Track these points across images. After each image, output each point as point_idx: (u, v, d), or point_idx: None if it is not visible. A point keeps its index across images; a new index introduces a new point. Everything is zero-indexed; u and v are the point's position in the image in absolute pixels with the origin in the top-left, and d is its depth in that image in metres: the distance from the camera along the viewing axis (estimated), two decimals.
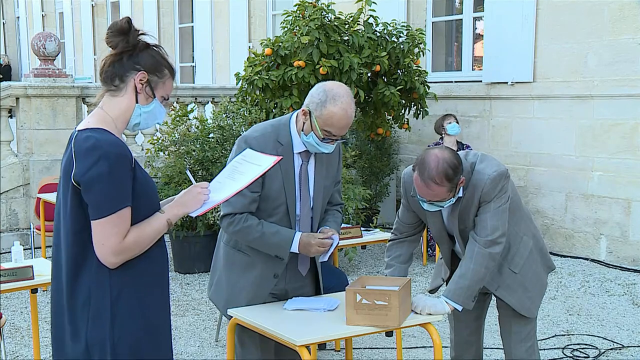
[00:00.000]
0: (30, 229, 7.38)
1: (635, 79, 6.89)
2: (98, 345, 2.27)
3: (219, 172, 2.73)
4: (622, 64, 6.97)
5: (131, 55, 2.34)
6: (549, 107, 7.63)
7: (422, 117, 7.72)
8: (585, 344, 5.00)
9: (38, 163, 7.92)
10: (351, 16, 7.19)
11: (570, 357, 4.79)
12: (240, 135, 3.13)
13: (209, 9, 12.46)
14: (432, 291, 3.57)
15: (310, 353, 2.84)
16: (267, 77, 6.89)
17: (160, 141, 7.06)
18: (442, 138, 7.19)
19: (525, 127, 7.87)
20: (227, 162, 3.02)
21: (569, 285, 6.51)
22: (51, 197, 6.34)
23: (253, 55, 7.30)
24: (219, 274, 3.24)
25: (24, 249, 5.04)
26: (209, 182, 2.54)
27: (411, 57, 7.32)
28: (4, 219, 7.87)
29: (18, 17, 21.70)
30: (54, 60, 8.16)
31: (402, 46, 7.26)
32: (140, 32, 2.36)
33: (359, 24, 7.22)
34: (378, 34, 7.28)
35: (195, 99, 9.00)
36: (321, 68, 6.74)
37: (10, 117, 8.17)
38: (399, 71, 7.39)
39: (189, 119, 7.22)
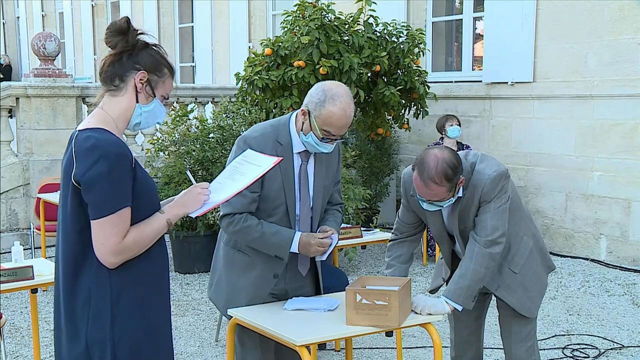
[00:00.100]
0: (30, 229, 7.37)
1: (635, 79, 6.89)
2: (98, 345, 2.27)
3: (219, 172, 2.73)
4: (622, 64, 6.97)
5: (131, 54, 2.34)
6: (549, 107, 7.63)
7: (422, 117, 7.72)
8: (585, 344, 5.00)
9: (38, 163, 7.93)
10: (351, 16, 7.19)
11: (570, 357, 4.79)
12: (240, 135, 3.13)
13: (209, 9, 12.47)
14: (432, 291, 3.57)
15: (310, 353, 2.84)
16: (267, 77, 6.89)
17: (160, 141, 7.06)
18: (442, 138, 7.20)
19: (525, 127, 7.87)
20: (227, 162, 3.02)
21: (569, 285, 6.51)
22: (51, 197, 6.34)
23: (253, 55, 7.30)
24: (218, 274, 3.24)
25: (24, 249, 5.05)
26: (209, 182, 2.54)
27: (411, 57, 7.32)
28: (4, 219, 7.87)
29: (18, 17, 21.70)
30: (54, 60, 8.16)
31: (402, 46, 7.26)
32: (139, 31, 2.36)
33: (359, 24, 7.21)
34: (378, 34, 7.28)
35: (195, 99, 9.00)
36: (321, 68, 6.73)
37: (10, 117, 8.18)
38: (399, 71, 7.39)
39: (189, 119, 7.22)
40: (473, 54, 8.72)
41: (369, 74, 7.09)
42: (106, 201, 2.21)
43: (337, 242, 3.17)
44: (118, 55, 2.34)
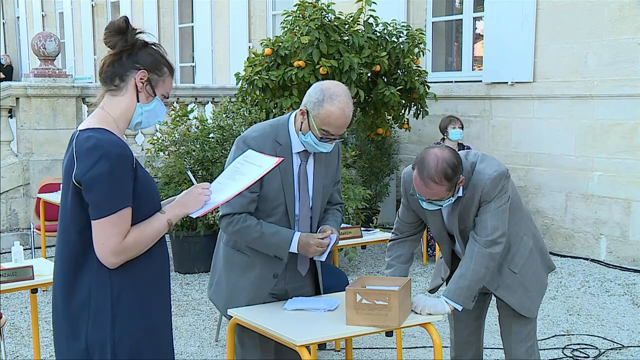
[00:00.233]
0: (30, 229, 7.37)
1: (635, 79, 6.89)
2: (98, 346, 2.27)
3: (219, 172, 2.74)
4: (622, 64, 6.97)
5: (130, 54, 2.34)
6: (549, 107, 7.63)
7: (422, 117, 7.72)
8: (585, 344, 5.00)
9: (38, 163, 7.93)
10: (351, 16, 7.19)
11: (570, 357, 4.79)
12: (240, 135, 3.13)
13: (209, 9, 12.47)
14: (432, 291, 3.57)
15: (310, 353, 2.84)
16: (267, 77, 6.89)
17: (160, 141, 7.06)
18: (443, 139, 7.20)
19: (525, 127, 7.87)
20: (226, 162, 3.02)
21: (569, 285, 6.51)
22: (51, 197, 6.34)
23: (253, 55, 7.30)
24: (218, 274, 3.24)
25: (24, 249, 5.04)
26: (210, 182, 2.54)
27: (411, 57, 7.32)
28: (4, 219, 7.87)
29: (18, 17, 21.70)
30: (54, 60, 8.16)
31: (402, 46, 7.26)
32: (138, 30, 2.36)
33: (359, 24, 7.21)
34: (378, 34, 7.28)
35: (195, 99, 9.00)
36: (321, 68, 6.73)
37: (10, 117, 8.18)
38: (399, 71, 7.39)
39: (189, 119, 7.22)
40: (473, 54, 8.72)
41: (369, 74, 7.09)
42: (107, 201, 2.21)
43: (337, 242, 3.16)
44: (118, 55, 2.34)
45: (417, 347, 4.96)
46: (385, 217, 8.55)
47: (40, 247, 6.69)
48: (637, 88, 6.87)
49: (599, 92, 7.16)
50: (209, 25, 12.55)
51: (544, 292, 3.42)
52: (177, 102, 8.57)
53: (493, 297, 3.46)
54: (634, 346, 4.99)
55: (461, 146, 7.22)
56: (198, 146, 6.88)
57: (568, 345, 4.99)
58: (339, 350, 4.90)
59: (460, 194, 3.10)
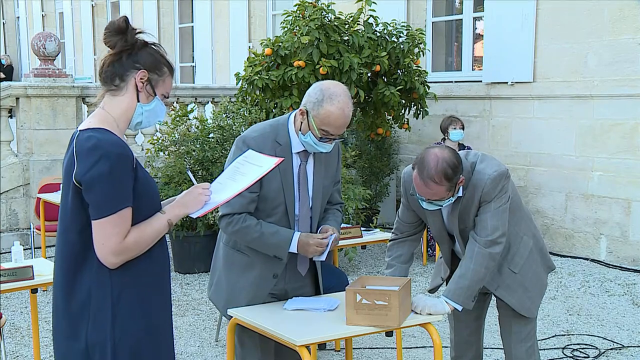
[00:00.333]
0: (30, 229, 7.37)
1: (635, 79, 6.89)
2: (99, 346, 2.27)
3: (219, 172, 2.74)
4: (622, 64, 6.97)
5: (130, 54, 2.34)
6: (549, 107, 7.64)
7: (422, 117, 7.72)
8: (585, 344, 5.00)
9: (38, 163, 7.93)
10: (351, 16, 7.19)
11: (570, 357, 4.79)
12: (240, 135, 3.13)
13: (209, 9, 12.47)
14: (431, 290, 3.57)
15: (310, 353, 2.84)
16: (267, 77, 6.89)
17: (160, 141, 7.06)
18: (444, 139, 7.20)
19: (525, 127, 7.87)
20: (226, 162, 3.02)
21: (569, 285, 6.51)
22: (51, 197, 6.34)
23: (253, 55, 7.30)
24: (218, 274, 3.23)
25: (24, 249, 5.04)
26: (209, 182, 2.54)
27: (411, 57, 7.32)
28: (4, 219, 7.87)
29: (18, 17, 21.70)
30: (54, 60, 8.16)
31: (402, 46, 7.26)
32: (137, 30, 2.36)
33: (359, 24, 7.21)
34: (378, 34, 7.28)
35: (195, 99, 9.00)
36: (321, 68, 6.74)
37: (10, 117, 8.18)
38: (399, 71, 7.39)
39: (189, 119, 7.22)
40: (473, 54, 8.72)
41: (369, 74, 7.09)
42: (107, 201, 2.21)
43: (338, 242, 3.16)
44: (118, 55, 2.34)
45: (417, 347, 4.95)
46: (385, 217, 8.55)
47: (40, 247, 6.69)
48: (637, 88, 6.87)
49: (599, 92, 7.16)
50: (209, 25, 12.55)
51: (544, 292, 3.42)
52: (177, 102, 8.57)
53: (493, 297, 3.46)
54: (634, 346, 4.99)
55: (462, 146, 7.22)
56: (198, 146, 6.88)
57: (568, 345, 4.99)
58: (339, 350, 4.90)
59: (460, 194, 3.10)
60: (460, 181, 3.02)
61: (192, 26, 13.32)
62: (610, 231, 7.21)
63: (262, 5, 11.59)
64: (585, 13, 7.22)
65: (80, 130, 2.30)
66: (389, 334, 3.01)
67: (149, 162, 7.11)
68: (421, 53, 7.47)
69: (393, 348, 4.85)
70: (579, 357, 4.79)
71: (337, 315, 3.01)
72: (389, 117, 7.86)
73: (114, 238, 2.22)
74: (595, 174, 7.29)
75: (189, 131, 7.01)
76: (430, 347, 4.83)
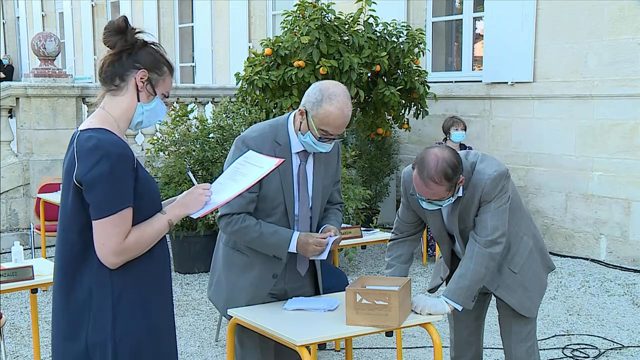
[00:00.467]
0: (30, 229, 7.37)
1: (635, 79, 6.89)
2: (99, 347, 2.26)
3: (219, 172, 2.74)
4: (622, 64, 6.97)
5: (130, 53, 2.34)
6: (549, 107, 7.64)
7: (422, 117, 7.72)
8: (585, 344, 5.00)
9: (38, 163, 7.93)
10: (351, 16, 7.19)
11: (570, 357, 4.79)
12: (240, 135, 3.13)
13: (209, 9, 12.47)
14: (431, 290, 3.57)
15: (310, 353, 2.84)
16: (267, 77, 6.89)
17: (160, 141, 7.06)
18: (445, 139, 7.20)
19: (525, 127, 7.87)
20: (225, 162, 3.02)
21: (569, 285, 6.51)
22: (51, 197, 6.34)
23: (253, 55, 7.30)
24: (218, 274, 3.23)
25: (24, 249, 5.04)
26: (210, 182, 2.54)
27: (411, 57, 7.32)
28: (4, 219, 7.87)
29: (18, 17, 21.71)
30: (54, 60, 8.16)
31: (402, 46, 7.26)
32: (137, 30, 2.36)
33: (359, 24, 7.21)
34: (378, 34, 7.28)
35: (195, 99, 9.00)
36: (321, 68, 6.74)
37: (10, 117, 8.18)
38: (399, 71, 7.39)
39: (189, 119, 7.22)
40: (473, 54, 8.72)
41: (369, 74, 7.09)
42: (107, 201, 2.21)
43: (339, 242, 3.16)
44: (117, 55, 2.34)
45: (417, 347, 4.96)
46: (385, 217, 8.55)
47: (40, 247, 6.69)
48: (637, 88, 6.87)
49: (599, 92, 7.16)
50: (209, 25, 12.55)
51: (544, 292, 3.42)
52: (177, 102, 8.57)
53: (493, 297, 3.46)
54: (634, 346, 4.99)
55: (463, 147, 7.22)
56: (198, 146, 6.88)
57: (568, 345, 4.99)
58: (339, 350, 4.90)
59: (460, 194, 3.10)
60: (460, 181, 3.02)
61: (192, 26, 13.32)
62: (610, 231, 7.21)
63: (262, 5, 11.59)
64: (585, 13, 7.22)
65: (80, 131, 2.30)
66: (389, 334, 3.01)
67: (149, 162, 7.11)
68: (421, 53, 7.47)
69: (393, 348, 4.85)
70: (579, 357, 4.79)
71: (337, 315, 3.01)
72: (389, 117, 7.86)
73: (114, 238, 2.22)
74: (595, 174, 7.29)
75: (189, 131, 7.01)
76: (430, 347, 4.83)
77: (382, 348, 4.94)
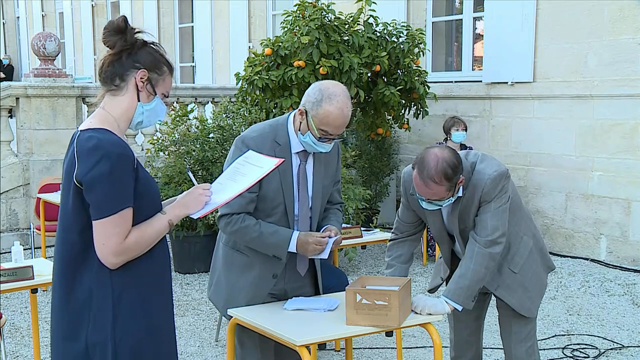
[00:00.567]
0: (30, 229, 7.37)
1: (635, 79, 6.89)
2: (99, 347, 2.26)
3: (219, 172, 2.74)
4: (622, 64, 6.97)
5: (130, 53, 2.34)
6: (549, 107, 7.64)
7: (422, 117, 7.72)
8: (585, 344, 5.00)
9: (38, 163, 7.93)
10: (351, 16, 7.19)
11: (570, 357, 4.79)
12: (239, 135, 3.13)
13: (209, 9, 12.47)
14: (431, 290, 3.57)
15: (310, 353, 2.84)
16: (267, 77, 6.89)
17: (160, 141, 7.06)
18: (446, 139, 7.20)
19: (525, 127, 7.87)
20: (225, 162, 3.02)
21: (569, 285, 6.51)
22: (51, 197, 6.34)
23: (253, 55, 7.30)
24: (218, 274, 3.24)
25: (24, 249, 5.04)
26: (210, 182, 2.54)
27: (411, 57, 7.32)
28: (4, 219, 7.87)
29: (18, 17, 21.71)
30: (54, 60, 8.16)
31: (402, 46, 7.26)
32: (136, 30, 2.36)
33: (359, 24, 7.21)
34: (378, 34, 7.28)
35: (195, 99, 9.00)
36: (321, 68, 6.74)
37: (10, 117, 8.18)
38: (399, 71, 7.39)
39: (189, 119, 7.22)
40: (473, 54, 8.72)
41: (369, 74, 7.09)
42: (108, 201, 2.21)
43: (340, 242, 3.16)
44: (117, 55, 2.34)
45: (417, 347, 4.96)
46: (385, 217, 8.55)
47: (40, 247, 6.69)
48: (637, 88, 6.87)
49: (599, 92, 7.16)
50: (209, 25, 12.55)
51: (544, 292, 3.42)
52: (177, 102, 8.57)
53: (493, 297, 3.46)
54: (634, 346, 4.99)
55: (463, 147, 7.22)
56: (198, 146, 6.88)
57: (568, 345, 4.99)
58: (339, 350, 4.90)
59: (460, 194, 3.10)
60: (460, 181, 3.02)
61: (192, 26, 13.32)
62: (610, 231, 7.21)
63: (262, 5, 11.59)
64: (585, 13, 7.22)
65: (81, 131, 2.30)
66: (389, 334, 3.01)
67: (149, 162, 7.11)
68: (421, 53, 7.47)
69: (393, 348, 4.85)
70: (579, 357, 4.79)
71: (337, 315, 3.01)
72: (389, 117, 7.86)
73: (114, 238, 2.22)
74: (595, 174, 7.29)
75: (189, 131, 7.01)
76: (430, 347, 4.83)
77: (382, 348, 4.94)
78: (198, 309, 5.82)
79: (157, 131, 8.09)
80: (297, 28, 6.99)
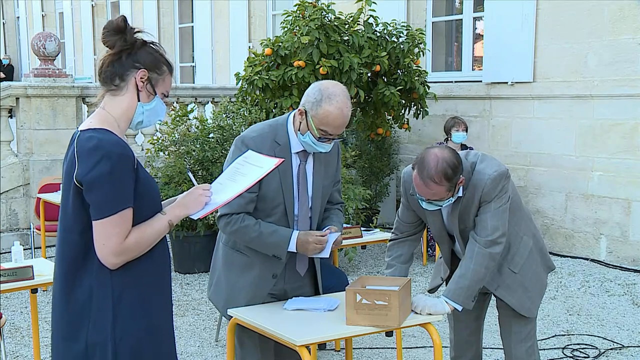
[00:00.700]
0: (30, 229, 7.37)
1: (635, 79, 6.89)
2: (99, 347, 2.26)
3: (219, 172, 2.74)
4: (622, 64, 6.97)
5: (130, 53, 2.34)
6: (549, 107, 7.63)
7: (422, 117, 7.72)
8: (585, 344, 5.00)
9: (38, 163, 7.93)
10: (351, 16, 7.19)
11: (570, 357, 4.79)
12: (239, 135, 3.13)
13: (209, 9, 12.47)
14: (431, 290, 3.57)
15: (310, 353, 2.84)
16: (267, 77, 6.89)
17: (160, 141, 7.06)
18: (447, 140, 7.20)
19: (525, 127, 7.87)
20: (225, 162, 3.02)
21: (569, 285, 6.51)
22: (51, 197, 6.34)
23: (253, 55, 7.30)
24: (218, 274, 3.24)
25: (24, 249, 5.04)
26: (210, 182, 2.54)
27: (411, 57, 7.32)
28: (4, 219, 7.87)
29: (18, 17, 21.71)
30: (54, 60, 8.16)
31: (402, 46, 7.26)
32: (136, 29, 2.36)
33: (359, 24, 7.21)
34: (378, 34, 7.28)
35: (195, 99, 9.00)
36: (321, 68, 6.74)
37: (10, 117, 8.18)
38: (399, 71, 7.39)
39: (189, 119, 7.22)
40: (473, 54, 8.72)
41: (369, 74, 7.09)
42: (108, 202, 2.20)
43: (342, 242, 3.16)
44: (117, 55, 2.34)
45: (417, 347, 4.96)
46: (385, 217, 8.55)
47: (40, 247, 6.69)
48: (637, 88, 6.87)
49: (599, 92, 7.16)
50: (209, 25, 12.55)
51: (544, 292, 3.42)
52: (177, 102, 8.57)
53: (493, 297, 3.46)
54: (634, 346, 4.99)
55: (464, 147, 7.21)
56: (198, 146, 6.88)
57: (568, 345, 4.99)
58: (339, 350, 4.90)
59: (460, 194, 3.10)
60: (460, 181, 3.02)
61: (192, 26, 13.32)
62: (610, 231, 7.21)
63: (262, 5, 11.59)
64: (585, 13, 7.22)
65: (81, 131, 2.30)
66: (389, 334, 3.01)
67: (149, 162, 7.11)
68: (421, 53, 7.47)
69: (393, 348, 4.85)
70: (579, 357, 4.79)
71: (337, 315, 3.01)
72: (389, 117, 7.86)
73: (114, 238, 2.22)
74: (595, 174, 7.29)
75: (189, 131, 7.01)
76: (430, 347, 4.83)
77: (382, 348, 4.94)
78: (198, 309, 5.82)
79: (157, 131, 8.09)
80: (297, 28, 6.99)
